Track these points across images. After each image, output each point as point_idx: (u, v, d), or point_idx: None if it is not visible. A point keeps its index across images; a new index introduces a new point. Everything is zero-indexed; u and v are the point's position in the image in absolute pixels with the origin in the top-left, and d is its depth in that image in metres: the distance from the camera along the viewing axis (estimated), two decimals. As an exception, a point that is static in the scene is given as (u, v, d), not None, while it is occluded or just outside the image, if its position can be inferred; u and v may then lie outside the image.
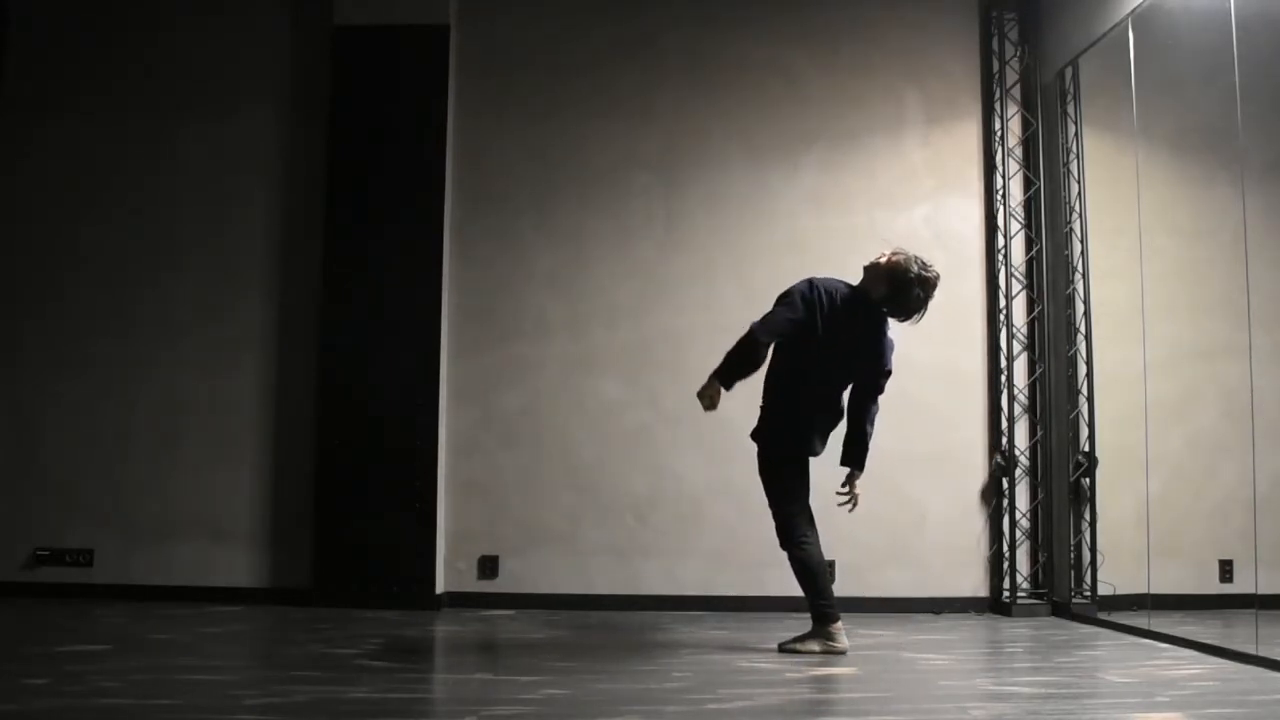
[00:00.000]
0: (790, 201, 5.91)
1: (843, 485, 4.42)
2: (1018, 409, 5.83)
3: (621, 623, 5.16)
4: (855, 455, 4.39)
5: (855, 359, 4.33)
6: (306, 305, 5.83)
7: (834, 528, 5.49)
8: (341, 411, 5.66)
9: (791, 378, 4.31)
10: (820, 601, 4.28)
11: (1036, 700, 3.35)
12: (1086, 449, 5.50)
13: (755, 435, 4.39)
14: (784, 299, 4.27)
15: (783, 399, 4.34)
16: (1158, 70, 4.96)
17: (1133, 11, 5.01)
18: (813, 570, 4.27)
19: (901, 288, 4.28)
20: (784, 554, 4.33)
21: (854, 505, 4.41)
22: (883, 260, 4.33)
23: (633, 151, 5.95)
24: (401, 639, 4.58)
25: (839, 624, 4.28)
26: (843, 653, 4.21)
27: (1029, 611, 5.61)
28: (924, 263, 4.31)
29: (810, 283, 4.28)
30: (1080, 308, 5.58)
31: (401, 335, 5.68)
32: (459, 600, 5.71)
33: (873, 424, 4.38)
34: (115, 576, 5.72)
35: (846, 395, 4.41)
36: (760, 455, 4.36)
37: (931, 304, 5.81)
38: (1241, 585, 4.35)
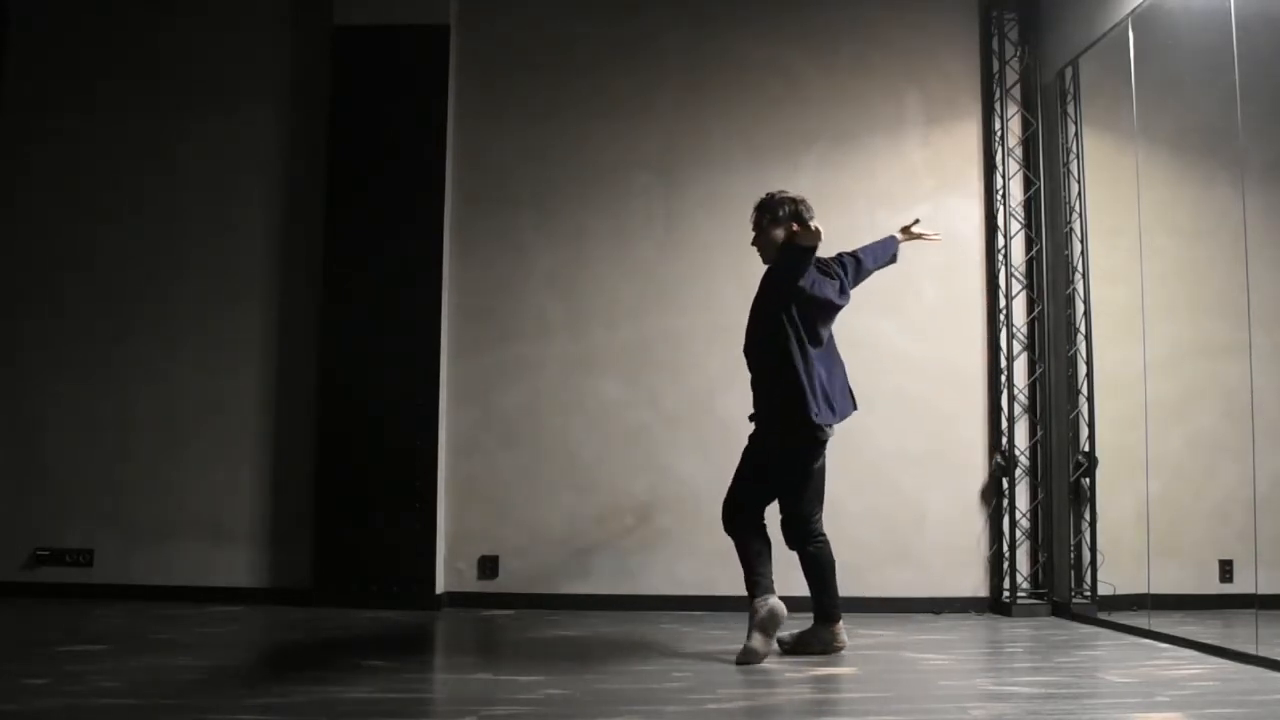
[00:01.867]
0: (790, 201, 5.90)
1: (913, 232, 4.63)
2: (1018, 409, 5.83)
3: (621, 623, 5.16)
4: (887, 247, 4.63)
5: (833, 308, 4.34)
6: (306, 305, 5.83)
7: (834, 528, 5.48)
8: (341, 411, 5.66)
9: (803, 354, 4.20)
10: (826, 599, 4.28)
11: (1036, 700, 3.35)
12: (1086, 449, 5.50)
13: (781, 434, 4.22)
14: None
15: (804, 377, 4.18)
16: (1158, 70, 4.96)
17: (1133, 11, 5.01)
18: (826, 567, 4.29)
19: (801, 215, 4.32)
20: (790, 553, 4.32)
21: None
22: (780, 218, 4.35)
23: (633, 151, 5.96)
24: (401, 639, 4.58)
25: (840, 624, 4.28)
26: (840, 649, 4.22)
27: (1029, 611, 5.61)
28: (777, 195, 4.40)
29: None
30: (1080, 308, 5.59)
31: (401, 335, 5.69)
32: (459, 600, 5.71)
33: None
34: (115, 576, 5.72)
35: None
36: (790, 453, 4.23)
37: (931, 303, 5.87)
38: (1241, 585, 4.35)
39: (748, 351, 4.34)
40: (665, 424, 5.79)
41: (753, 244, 4.42)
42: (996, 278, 5.88)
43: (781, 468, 4.27)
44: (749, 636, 4.11)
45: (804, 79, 6.00)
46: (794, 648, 4.27)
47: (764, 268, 4.37)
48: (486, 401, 5.84)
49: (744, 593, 5.39)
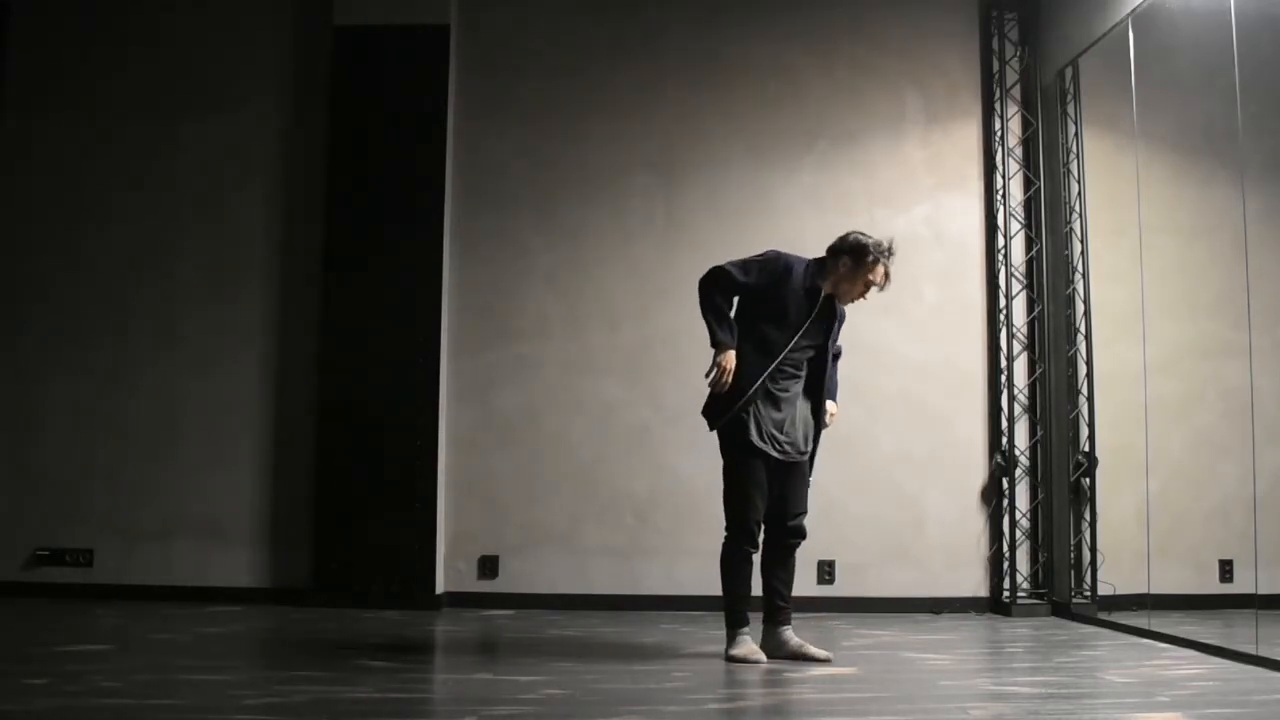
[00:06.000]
0: (790, 201, 5.91)
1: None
2: (1018, 409, 5.83)
3: (621, 623, 5.16)
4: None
5: None
6: (306, 305, 5.83)
7: (834, 528, 5.52)
8: (341, 411, 5.66)
9: None
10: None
11: (1036, 700, 3.35)
12: (1086, 449, 5.50)
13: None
14: None
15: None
16: (1158, 70, 4.96)
17: (1133, 11, 5.01)
18: None
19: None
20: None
21: None
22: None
23: (633, 151, 5.96)
24: (401, 639, 4.58)
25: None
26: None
27: (1029, 611, 5.61)
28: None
29: None
30: (1080, 308, 5.58)
31: (401, 335, 5.69)
32: (459, 600, 5.71)
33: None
34: (115, 576, 5.72)
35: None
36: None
37: (931, 304, 5.87)
38: (1241, 585, 4.35)
39: (802, 375, 4.17)
40: (665, 424, 5.79)
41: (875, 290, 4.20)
42: (996, 278, 5.88)
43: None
44: (741, 645, 4.10)
45: (804, 79, 6.00)
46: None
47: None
48: (486, 401, 5.84)
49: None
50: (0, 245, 5.95)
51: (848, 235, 4.19)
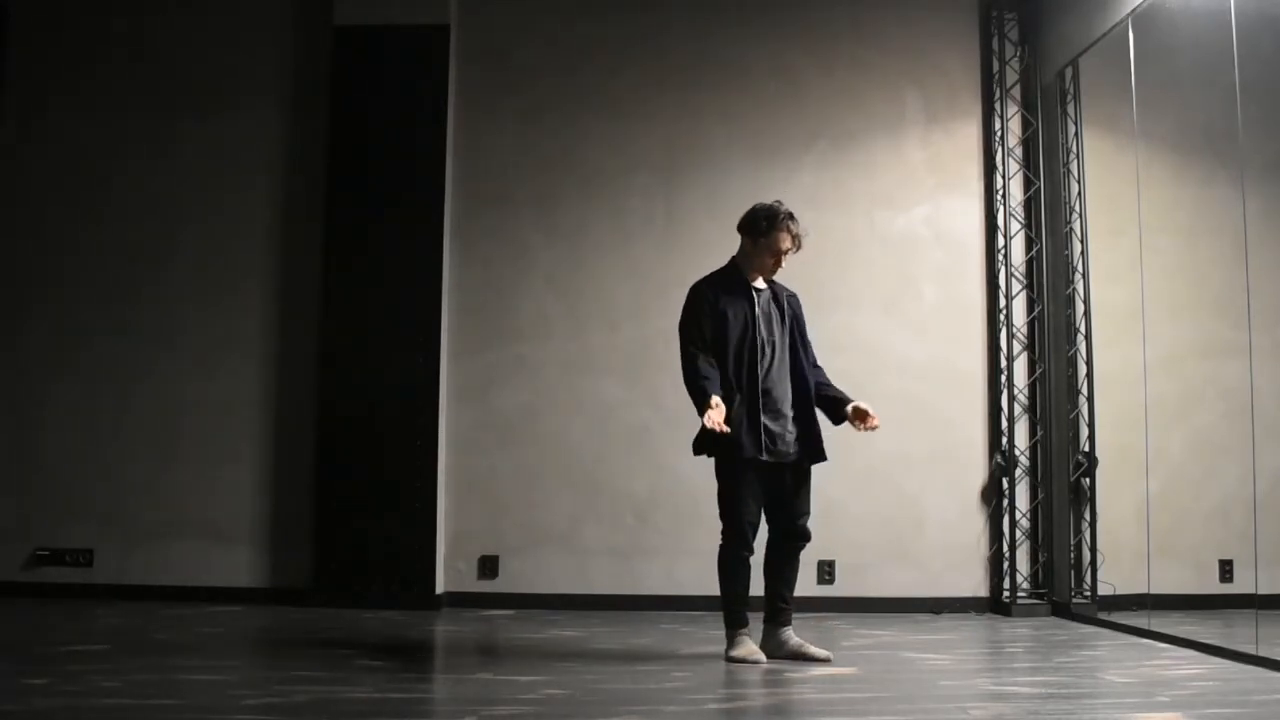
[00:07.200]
0: (790, 201, 5.82)
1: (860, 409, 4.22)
2: (1018, 409, 5.83)
3: (621, 623, 5.16)
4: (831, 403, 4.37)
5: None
6: (306, 305, 5.83)
7: (834, 528, 5.51)
8: (341, 411, 5.66)
9: None
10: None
11: (1036, 700, 3.35)
12: (1086, 449, 5.50)
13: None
14: None
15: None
16: (1158, 70, 4.96)
17: (1133, 11, 5.01)
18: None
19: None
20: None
21: None
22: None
23: (633, 151, 5.96)
24: (401, 639, 4.58)
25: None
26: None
27: (1029, 611, 5.61)
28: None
29: None
30: (1080, 308, 5.59)
31: (401, 335, 5.69)
32: (459, 600, 5.71)
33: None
34: (115, 576, 5.72)
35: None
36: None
37: (931, 304, 5.87)
38: (1241, 585, 4.35)
39: (773, 368, 4.17)
40: (665, 424, 5.78)
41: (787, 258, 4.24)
42: (996, 278, 5.88)
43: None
44: (741, 645, 4.09)
45: (804, 79, 6.00)
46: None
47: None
48: (486, 401, 5.84)
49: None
50: (0, 245, 5.95)
51: (746, 213, 4.29)
